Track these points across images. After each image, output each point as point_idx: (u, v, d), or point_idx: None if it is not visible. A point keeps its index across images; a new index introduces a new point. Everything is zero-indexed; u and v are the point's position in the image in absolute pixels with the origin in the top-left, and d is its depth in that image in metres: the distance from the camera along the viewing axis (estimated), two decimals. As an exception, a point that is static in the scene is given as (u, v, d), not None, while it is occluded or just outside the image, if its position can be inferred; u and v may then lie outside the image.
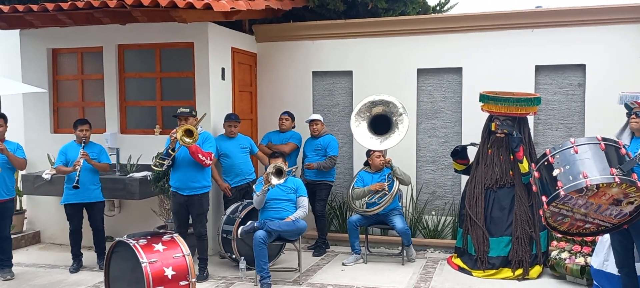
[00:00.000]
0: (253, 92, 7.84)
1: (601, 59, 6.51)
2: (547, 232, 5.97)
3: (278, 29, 7.75)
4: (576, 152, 3.97)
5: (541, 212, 4.11)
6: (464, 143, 6.59)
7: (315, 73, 7.74)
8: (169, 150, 5.62)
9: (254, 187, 5.94)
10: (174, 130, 5.58)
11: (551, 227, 4.26)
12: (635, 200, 3.83)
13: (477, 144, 6.27)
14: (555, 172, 4.01)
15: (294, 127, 7.04)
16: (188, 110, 5.80)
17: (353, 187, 6.50)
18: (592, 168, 3.83)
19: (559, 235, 5.63)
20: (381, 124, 6.41)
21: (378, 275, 5.95)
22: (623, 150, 3.96)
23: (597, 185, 3.75)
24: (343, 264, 6.36)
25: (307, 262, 6.42)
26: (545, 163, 4.14)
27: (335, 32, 7.56)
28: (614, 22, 6.45)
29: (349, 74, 7.58)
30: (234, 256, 6.07)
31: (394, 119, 6.33)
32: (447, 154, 7.11)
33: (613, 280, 4.84)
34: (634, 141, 4.29)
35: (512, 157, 5.98)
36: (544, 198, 4.05)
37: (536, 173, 4.21)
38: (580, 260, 5.48)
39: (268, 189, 5.60)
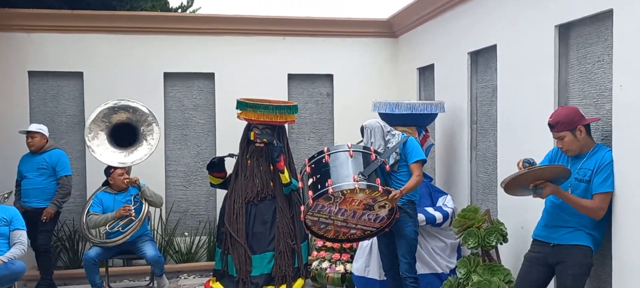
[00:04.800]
0: (-61, 94, 5.89)
1: (347, 69, 6.76)
2: (308, 243, 5.85)
3: (-25, 14, 6.02)
4: (327, 161, 4.07)
5: (302, 219, 4.07)
6: (219, 154, 6.05)
7: (32, 73, 6.25)
8: None
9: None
10: None
11: (318, 235, 4.21)
12: (386, 203, 3.91)
13: (236, 155, 5.80)
14: (310, 181, 4.04)
15: None
16: None
17: (88, 212, 5.31)
18: (337, 176, 3.92)
19: (320, 244, 5.67)
20: (125, 134, 5.42)
21: (126, 316, 4.95)
22: (373, 156, 4.07)
23: (342, 191, 3.78)
24: None
25: (27, 313, 5.01)
26: (305, 172, 4.18)
27: (60, 25, 6.24)
28: (359, 35, 6.77)
29: (78, 75, 6.32)
30: None
31: (142, 128, 5.41)
32: (201, 168, 6.49)
33: (374, 285, 4.89)
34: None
35: (272, 167, 5.68)
36: (302, 207, 4.08)
37: (300, 183, 4.21)
38: (340, 268, 5.47)
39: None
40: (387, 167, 4.12)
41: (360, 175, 3.86)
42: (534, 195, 3.15)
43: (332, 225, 4.09)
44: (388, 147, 4.23)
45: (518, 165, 3.25)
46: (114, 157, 5.35)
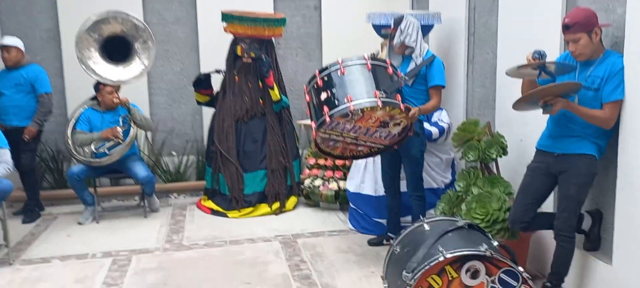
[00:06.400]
0: None
1: (336, -20, 6.44)
2: (299, 161, 5.79)
3: None
4: (343, 73, 3.72)
5: (313, 138, 3.80)
6: (204, 71, 5.81)
7: (-1, -16, 5.82)
8: None
9: None
10: None
11: (325, 152, 4.06)
12: (402, 121, 3.76)
13: (222, 71, 5.59)
14: (323, 96, 3.72)
15: None
16: None
17: (74, 129, 5.12)
18: (356, 91, 3.62)
19: (312, 162, 5.61)
20: (117, 48, 5.12)
21: (118, 235, 4.87)
22: (390, 70, 3.83)
23: (362, 109, 3.57)
24: (79, 223, 5.16)
25: (16, 232, 4.90)
26: (315, 85, 3.85)
27: None
28: (348, -58, 6.40)
29: (50, -13, 5.91)
30: None
31: (136, 44, 5.12)
32: (186, 85, 6.25)
33: (369, 201, 4.88)
34: (404, 63, 4.23)
35: (261, 84, 5.51)
36: (313, 124, 3.79)
37: (307, 97, 3.90)
38: (334, 185, 5.45)
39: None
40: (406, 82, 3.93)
41: (382, 92, 3.59)
42: (544, 112, 3.08)
43: (341, 142, 3.90)
44: (413, 58, 4.08)
45: (527, 58, 3.14)
46: (104, 71, 5.06)
